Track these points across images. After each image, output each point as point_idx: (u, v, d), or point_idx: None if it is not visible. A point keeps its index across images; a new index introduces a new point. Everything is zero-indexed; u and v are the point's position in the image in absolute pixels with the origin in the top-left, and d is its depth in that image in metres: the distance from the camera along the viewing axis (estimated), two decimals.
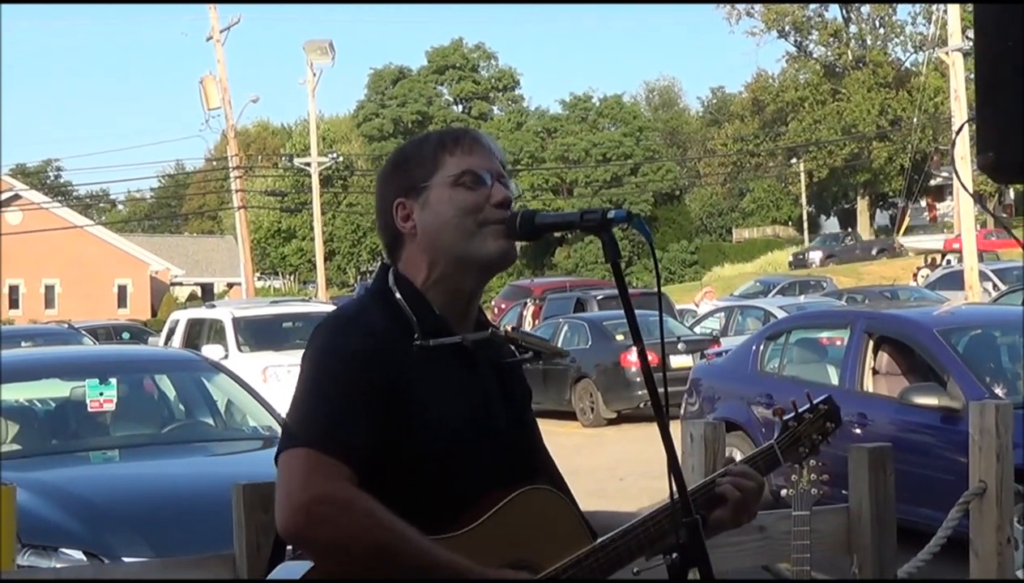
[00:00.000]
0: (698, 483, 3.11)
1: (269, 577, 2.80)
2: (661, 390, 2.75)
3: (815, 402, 3.42)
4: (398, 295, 2.89)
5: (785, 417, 3.37)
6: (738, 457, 3.33)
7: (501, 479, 2.86)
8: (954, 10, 36.34)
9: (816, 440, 3.37)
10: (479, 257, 2.91)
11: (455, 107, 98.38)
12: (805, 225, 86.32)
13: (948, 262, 48.88)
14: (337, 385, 2.71)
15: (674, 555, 2.76)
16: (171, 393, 10.29)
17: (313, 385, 2.74)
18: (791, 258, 71.91)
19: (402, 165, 2.99)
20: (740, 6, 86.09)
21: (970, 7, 3.68)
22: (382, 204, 2.99)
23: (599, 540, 2.90)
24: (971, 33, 3.69)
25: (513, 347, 3.06)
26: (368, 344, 2.76)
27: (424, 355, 2.81)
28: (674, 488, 2.75)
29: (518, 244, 2.97)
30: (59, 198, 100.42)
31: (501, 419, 2.95)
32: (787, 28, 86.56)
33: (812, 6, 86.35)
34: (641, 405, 23.07)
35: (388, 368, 2.75)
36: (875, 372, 12.44)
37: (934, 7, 58.88)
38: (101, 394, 9.30)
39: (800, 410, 3.39)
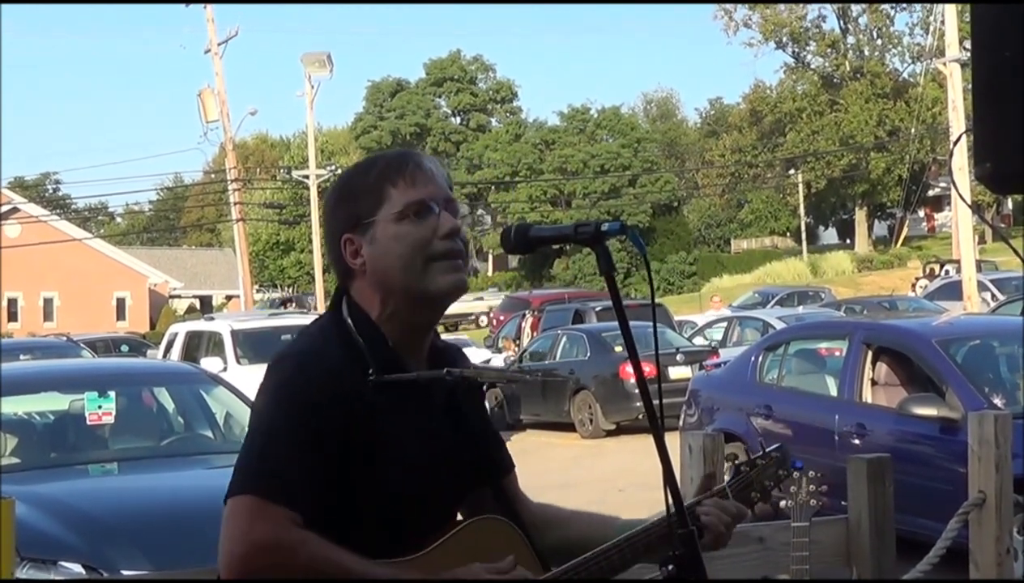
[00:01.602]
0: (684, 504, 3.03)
1: None
2: (656, 402, 2.75)
3: (767, 450, 3.42)
4: (352, 327, 2.87)
5: (737, 462, 3.38)
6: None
7: (450, 507, 2.90)
8: (951, 21, 36.35)
9: (768, 486, 3.37)
10: (430, 293, 2.88)
11: (453, 119, 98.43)
12: (803, 236, 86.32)
13: (947, 272, 48.86)
14: (287, 430, 2.68)
15: (670, 567, 2.75)
16: (170, 406, 10.29)
17: (263, 429, 2.72)
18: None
19: (346, 198, 2.94)
20: (737, 17, 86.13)
21: (968, 17, 3.68)
22: (330, 238, 2.95)
23: (588, 554, 2.90)
24: (969, 44, 3.69)
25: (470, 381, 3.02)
26: (323, 385, 2.72)
27: (379, 389, 2.79)
28: (670, 501, 2.76)
29: (516, 257, 2.97)
30: (58, 211, 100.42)
31: (455, 449, 2.93)
32: (785, 39, 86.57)
33: (810, 17, 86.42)
34: (640, 416, 23.04)
35: (343, 406, 2.72)
36: (874, 383, 12.45)
37: (931, 18, 58.99)
38: (100, 407, 9.29)
39: (752, 457, 3.38)
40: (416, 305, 2.89)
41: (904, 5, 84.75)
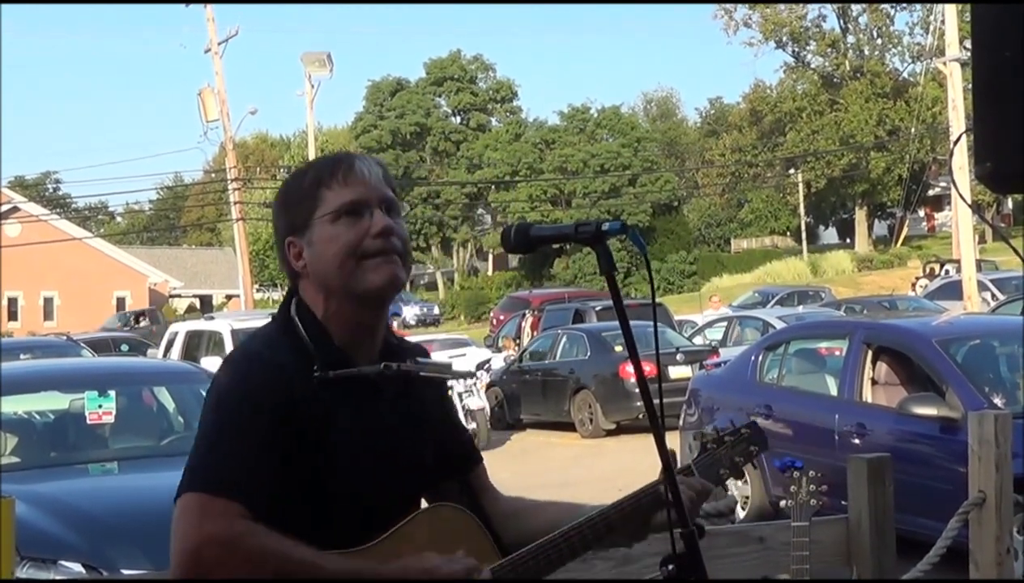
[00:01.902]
0: (646, 485, 3.15)
1: None
2: (657, 402, 2.76)
3: (739, 427, 3.47)
4: (300, 326, 2.94)
5: (705, 440, 3.43)
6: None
7: (409, 501, 2.96)
8: (952, 20, 36.35)
9: (738, 461, 3.41)
10: (363, 290, 2.94)
11: (453, 118, 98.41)
12: (803, 235, 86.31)
13: (947, 272, 48.86)
14: (236, 427, 2.74)
15: (671, 566, 2.76)
16: (170, 405, 10.29)
17: (213, 427, 2.79)
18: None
19: (286, 204, 3.03)
20: (737, 16, 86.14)
21: (968, 17, 3.69)
22: (277, 240, 3.05)
23: (548, 536, 2.96)
24: (969, 43, 3.69)
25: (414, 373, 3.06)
26: (269, 383, 2.79)
27: (327, 387, 2.85)
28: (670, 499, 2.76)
29: (516, 256, 2.99)
30: (58, 210, 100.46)
31: (409, 443, 2.99)
32: (785, 39, 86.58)
33: (810, 16, 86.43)
34: (640, 416, 23.05)
35: (289, 404, 2.78)
36: (874, 382, 12.45)
37: (931, 17, 58.97)
38: (100, 406, 9.30)
39: (722, 434, 3.43)
40: (354, 303, 2.95)
41: (904, 4, 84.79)
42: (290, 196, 3.02)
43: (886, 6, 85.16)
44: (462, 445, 3.18)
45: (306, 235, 2.96)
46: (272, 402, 2.76)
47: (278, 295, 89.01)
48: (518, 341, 36.48)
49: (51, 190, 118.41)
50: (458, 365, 25.55)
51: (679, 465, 3.06)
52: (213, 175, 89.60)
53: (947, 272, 48.73)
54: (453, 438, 3.16)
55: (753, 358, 14.22)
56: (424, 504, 3.06)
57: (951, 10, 36.60)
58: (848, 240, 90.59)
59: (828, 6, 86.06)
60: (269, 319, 3.06)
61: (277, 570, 2.65)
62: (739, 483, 13.40)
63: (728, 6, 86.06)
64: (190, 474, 2.73)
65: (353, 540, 2.78)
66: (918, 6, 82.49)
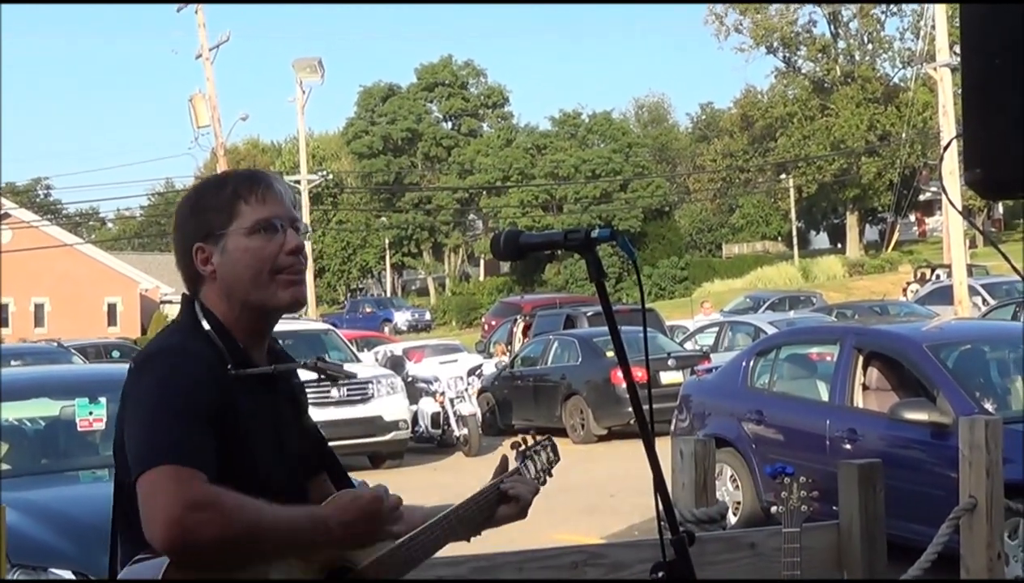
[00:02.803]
0: (488, 484, 3.47)
1: (121, 576, 2.93)
2: (647, 408, 2.77)
3: (539, 440, 3.75)
4: (207, 327, 3.06)
5: (522, 449, 3.68)
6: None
7: (301, 489, 3.12)
8: (942, 25, 36.42)
9: (545, 469, 3.70)
10: (272, 304, 3.11)
11: (444, 124, 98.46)
12: (795, 241, 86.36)
13: (938, 277, 48.91)
14: (179, 406, 2.84)
15: (661, 573, 2.76)
16: None
17: (158, 410, 2.85)
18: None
19: (200, 211, 3.14)
20: (728, 22, 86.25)
21: (958, 22, 3.69)
22: (181, 244, 3.16)
23: (420, 527, 3.19)
24: (959, 48, 3.69)
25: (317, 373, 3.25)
26: (199, 370, 2.92)
27: (239, 382, 2.99)
28: (660, 506, 2.77)
29: (507, 263, 3.03)
30: (49, 216, 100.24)
31: (299, 437, 3.19)
32: (775, 44, 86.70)
33: (800, 21, 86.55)
34: (631, 422, 23.00)
35: (217, 393, 2.92)
36: (865, 388, 12.45)
37: (922, 22, 59.04)
38: (91, 413, 9.28)
39: (531, 445, 3.69)
40: (254, 312, 3.11)
41: (895, 10, 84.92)
42: (205, 204, 3.13)
43: (876, 11, 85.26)
44: (322, 442, 3.35)
45: (219, 243, 3.07)
46: (208, 389, 2.89)
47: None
48: (510, 347, 36.48)
49: (42, 196, 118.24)
50: (450, 371, 25.57)
51: (671, 472, 3.08)
52: None
53: (938, 277, 48.78)
54: (318, 436, 3.33)
55: (744, 363, 14.22)
56: None
57: (941, 15, 36.67)
58: (839, 245, 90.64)
59: (818, 11, 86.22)
60: (173, 324, 3.19)
61: (255, 522, 2.77)
62: (731, 488, 13.41)
63: (719, 10, 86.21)
64: (147, 451, 2.80)
65: None
66: (908, 10, 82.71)
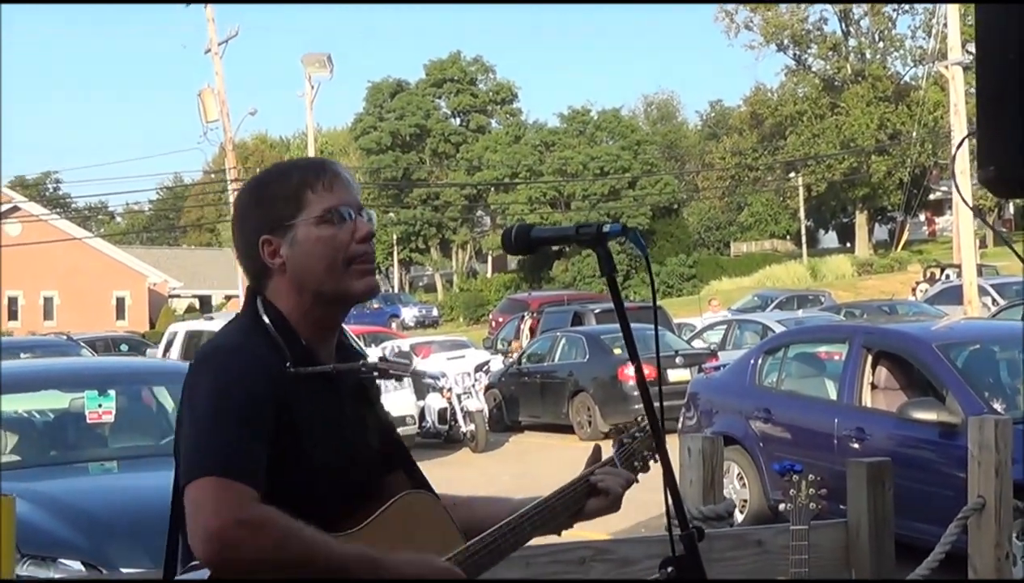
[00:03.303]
0: (578, 475, 3.40)
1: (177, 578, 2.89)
2: (657, 405, 2.78)
3: (642, 424, 3.63)
4: (268, 324, 2.99)
5: (621, 436, 3.61)
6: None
7: (373, 492, 3.01)
8: (954, 24, 36.34)
9: (647, 456, 3.60)
10: (345, 294, 3.04)
11: (453, 120, 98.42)
12: (803, 239, 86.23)
13: (947, 277, 48.84)
14: (233, 413, 2.77)
15: (670, 569, 2.77)
16: (169, 405, 10.28)
17: (210, 416, 2.79)
18: None
19: (265, 201, 3.06)
20: (738, 19, 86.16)
21: (971, 21, 3.70)
22: (246, 237, 3.07)
23: (500, 524, 3.12)
24: (971, 47, 3.70)
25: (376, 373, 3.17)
26: (255, 372, 2.84)
27: (300, 381, 2.91)
28: (670, 502, 2.78)
29: (515, 258, 3.03)
30: (58, 210, 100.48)
31: (367, 435, 3.10)
32: (786, 41, 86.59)
33: (811, 19, 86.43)
34: (639, 419, 23.01)
35: (274, 395, 2.84)
36: (873, 387, 12.45)
37: (933, 21, 58.97)
38: (100, 405, 9.30)
39: (631, 430, 3.62)
40: (329, 304, 3.04)
41: (906, 8, 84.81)
42: (270, 194, 3.06)
43: (888, 9, 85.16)
44: (399, 440, 3.26)
45: (288, 234, 3.00)
46: (264, 392, 2.82)
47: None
48: (519, 344, 36.46)
49: (51, 190, 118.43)
50: (457, 366, 25.57)
51: (678, 470, 3.08)
52: (213, 176, 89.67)
53: (947, 277, 48.70)
54: (393, 432, 3.24)
55: (752, 362, 14.22)
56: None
57: (953, 14, 36.58)
58: (848, 244, 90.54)
59: (829, 8, 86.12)
60: (235, 319, 3.11)
61: (302, 552, 2.69)
62: (738, 486, 13.41)
63: (729, 8, 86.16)
64: (199, 459, 2.74)
65: (324, 527, 2.81)
66: (920, 9, 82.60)
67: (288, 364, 2.91)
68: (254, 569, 2.66)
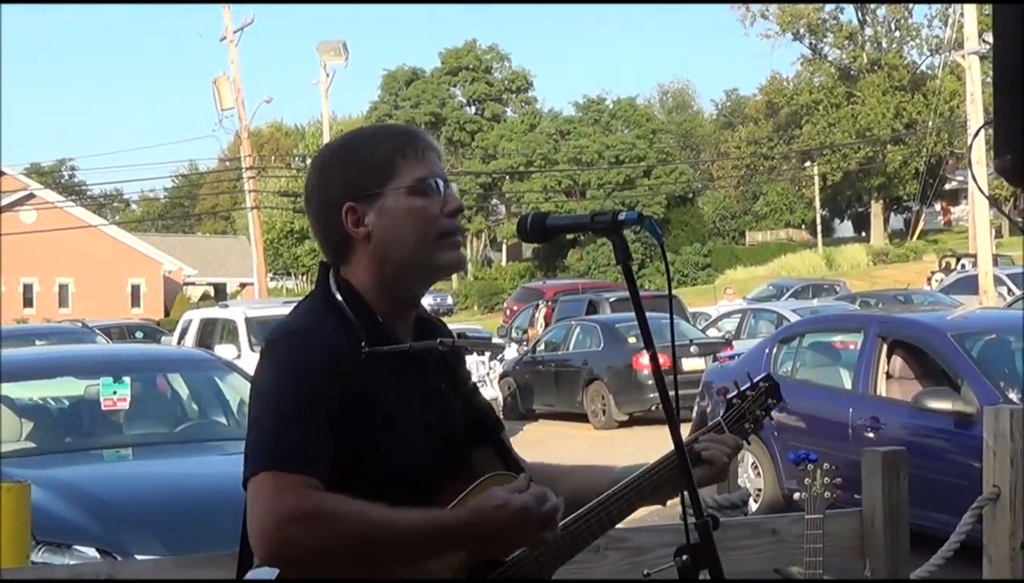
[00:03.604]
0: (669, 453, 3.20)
1: (248, 577, 2.82)
2: (672, 393, 2.77)
3: (755, 380, 3.52)
4: (341, 301, 2.89)
5: (729, 396, 3.48)
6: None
7: (461, 470, 2.92)
8: (971, 13, 36.25)
9: (759, 416, 3.48)
10: (434, 266, 2.94)
11: (468, 108, 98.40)
12: (819, 229, 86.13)
13: (963, 266, 48.75)
14: (295, 401, 2.71)
15: (684, 557, 2.76)
16: (184, 392, 10.31)
17: (272, 405, 2.73)
18: None
19: (354, 166, 2.93)
20: (755, 7, 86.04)
21: (987, 10, 3.68)
22: (327, 203, 2.94)
23: (598, 500, 3.04)
24: (988, 36, 3.69)
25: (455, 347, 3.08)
26: (323, 356, 2.75)
27: (374, 361, 2.82)
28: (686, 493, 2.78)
29: (530, 246, 3.00)
30: (73, 198, 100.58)
31: (451, 412, 3.00)
32: (802, 31, 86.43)
33: (827, 8, 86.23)
34: (653, 408, 23.06)
35: (343, 377, 2.76)
36: (889, 376, 12.43)
37: (950, 10, 58.80)
38: (115, 393, 9.32)
39: (742, 388, 3.49)
40: (415, 277, 2.95)
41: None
42: (359, 160, 2.94)
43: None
44: (488, 412, 3.16)
45: (376, 203, 2.89)
46: (329, 376, 2.73)
47: (292, 283, 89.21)
48: (535, 332, 36.47)
49: (67, 177, 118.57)
50: (471, 358, 25.57)
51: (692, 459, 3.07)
52: (228, 163, 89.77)
53: (963, 266, 48.62)
54: (481, 405, 3.14)
55: (767, 351, 14.21)
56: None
57: (970, 3, 36.48)
58: (864, 234, 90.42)
59: None
60: (307, 297, 3.00)
61: (363, 531, 2.63)
62: (752, 475, 13.41)
63: None
64: (259, 452, 2.69)
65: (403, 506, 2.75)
66: None
67: (363, 344, 2.82)
68: (317, 559, 2.61)
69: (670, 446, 2.83)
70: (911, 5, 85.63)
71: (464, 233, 3.23)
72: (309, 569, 2.64)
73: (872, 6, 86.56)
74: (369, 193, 2.89)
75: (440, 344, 2.97)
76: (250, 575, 2.81)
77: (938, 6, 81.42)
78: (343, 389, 2.74)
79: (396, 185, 2.89)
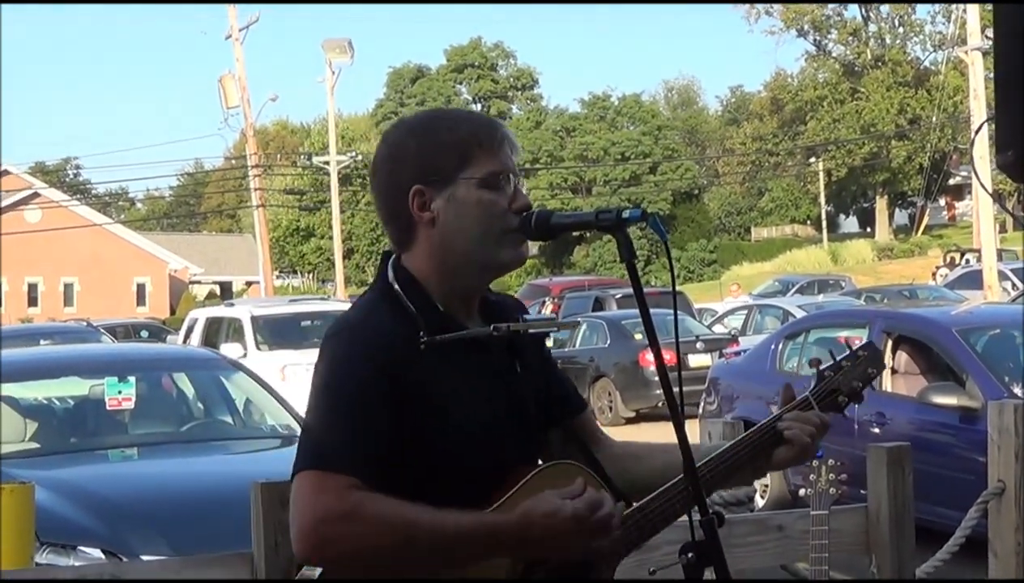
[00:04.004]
0: (767, 420, 3.20)
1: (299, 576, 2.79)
2: (677, 390, 2.76)
3: (855, 349, 3.44)
4: (398, 290, 2.85)
5: (821, 368, 3.38)
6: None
7: (526, 463, 2.88)
8: (973, 9, 36.25)
9: (857, 387, 3.38)
10: (495, 262, 2.91)
11: (474, 106, 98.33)
12: (824, 224, 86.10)
13: (967, 261, 48.71)
14: (345, 398, 2.70)
15: (690, 554, 2.76)
16: (190, 391, 10.30)
17: (323, 403, 2.73)
18: None
19: (427, 149, 2.87)
20: (759, 5, 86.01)
21: (990, 6, 3.67)
22: (396, 184, 2.89)
23: (672, 481, 2.94)
24: (991, 32, 3.69)
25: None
26: (374, 353, 2.72)
27: (433, 350, 2.78)
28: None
29: (536, 243, 2.97)
30: (78, 196, 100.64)
31: (520, 399, 2.94)
32: (806, 27, 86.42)
33: (831, 5, 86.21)
34: (659, 404, 23.03)
35: (399, 369, 2.73)
36: (894, 371, 12.42)
37: (953, 6, 58.77)
38: (120, 392, 9.30)
39: (839, 359, 3.41)
40: (476, 270, 2.91)
41: None
42: (435, 143, 2.87)
43: None
44: (564, 393, 3.12)
45: (446, 190, 2.84)
46: (380, 370, 2.70)
47: (298, 282, 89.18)
48: None
49: (72, 176, 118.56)
50: None
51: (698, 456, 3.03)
52: (233, 162, 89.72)
53: (967, 261, 48.56)
54: (555, 386, 3.10)
55: (773, 347, 14.20)
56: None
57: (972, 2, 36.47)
58: (868, 229, 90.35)
59: None
60: (369, 289, 2.96)
61: (402, 533, 2.61)
62: None
63: None
64: (303, 450, 2.69)
65: (468, 497, 2.73)
66: None
67: (421, 334, 2.76)
68: (354, 559, 2.61)
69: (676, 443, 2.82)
70: (915, 2, 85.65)
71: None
72: (347, 569, 2.63)
73: (875, 2, 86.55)
74: (441, 178, 2.85)
75: (494, 330, 2.89)
76: (304, 573, 2.78)
77: (941, 2, 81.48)
78: (399, 381, 2.72)
79: (469, 174, 2.85)
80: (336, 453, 2.64)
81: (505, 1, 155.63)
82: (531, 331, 3.03)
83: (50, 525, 6.80)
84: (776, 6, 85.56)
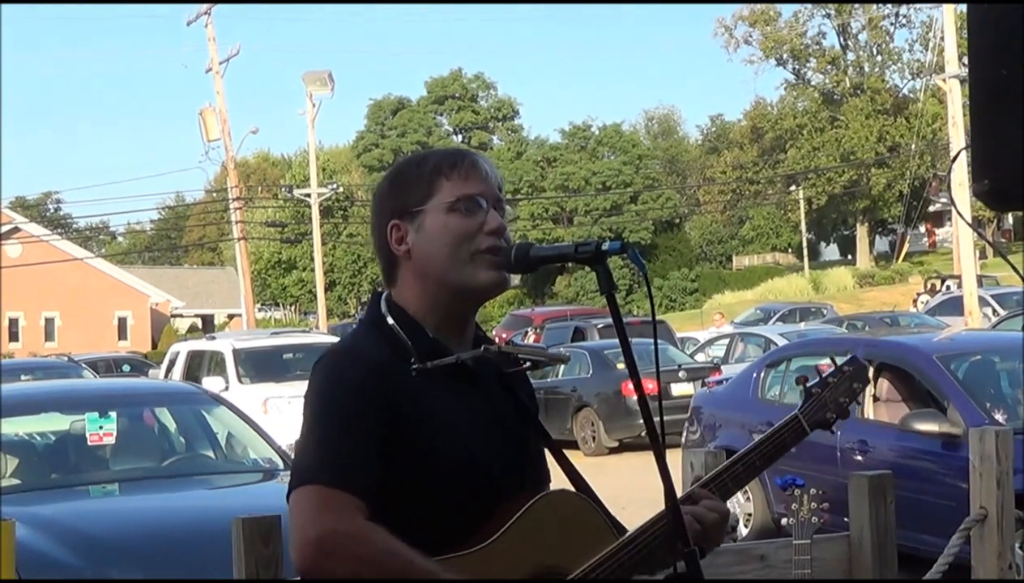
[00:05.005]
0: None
1: None
2: (657, 420, 2.76)
3: (840, 365, 3.42)
4: (391, 322, 2.90)
5: (808, 385, 3.35)
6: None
7: (516, 490, 2.89)
8: (951, 37, 36.40)
9: (844, 402, 3.35)
10: (472, 285, 2.93)
11: (455, 137, 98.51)
12: (805, 252, 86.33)
13: (948, 288, 48.86)
14: (341, 420, 2.73)
15: None
16: (171, 426, 10.28)
17: (317, 422, 2.76)
18: None
19: (398, 186, 2.99)
20: (738, 34, 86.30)
21: (967, 34, 3.70)
22: (378, 223, 3.00)
23: (620, 540, 2.93)
24: (967, 60, 3.70)
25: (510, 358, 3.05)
26: (368, 375, 2.77)
27: (424, 379, 2.82)
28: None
29: (518, 276, 2.97)
30: (59, 230, 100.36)
31: (511, 431, 2.97)
32: (785, 56, 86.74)
33: (810, 33, 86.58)
34: (642, 434, 22.90)
35: (389, 397, 2.77)
36: (875, 399, 12.43)
37: (931, 34, 59.03)
38: (101, 427, 9.28)
39: (824, 375, 3.38)
40: (455, 296, 2.94)
41: (904, 21, 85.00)
42: (405, 180, 2.99)
43: (885, 23, 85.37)
44: (543, 429, 3.15)
45: (416, 220, 2.92)
46: (373, 395, 2.75)
47: (280, 314, 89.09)
48: None
49: (52, 210, 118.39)
50: None
51: (681, 485, 3.04)
52: (215, 194, 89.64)
53: (948, 288, 48.71)
54: (537, 422, 3.12)
55: (755, 375, 14.21)
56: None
57: (950, 26, 36.66)
58: (849, 256, 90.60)
59: (828, 22, 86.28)
60: (359, 322, 3.04)
61: (399, 572, 2.64)
62: (742, 500, 13.39)
63: (728, 22, 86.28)
64: (304, 466, 2.71)
65: (464, 531, 2.77)
66: (917, 22, 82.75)
67: (412, 360, 2.82)
68: (349, 579, 2.63)
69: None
70: (893, 29, 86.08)
71: (505, 254, 3.14)
72: None
73: (854, 31, 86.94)
74: (411, 211, 2.94)
75: (484, 350, 2.95)
76: None
77: (919, 30, 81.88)
78: (390, 406, 2.76)
79: (436, 202, 2.92)
80: (341, 472, 2.68)
81: (490, 17, 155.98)
82: (520, 356, 3.05)
83: (31, 562, 6.78)
84: (755, 35, 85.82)
